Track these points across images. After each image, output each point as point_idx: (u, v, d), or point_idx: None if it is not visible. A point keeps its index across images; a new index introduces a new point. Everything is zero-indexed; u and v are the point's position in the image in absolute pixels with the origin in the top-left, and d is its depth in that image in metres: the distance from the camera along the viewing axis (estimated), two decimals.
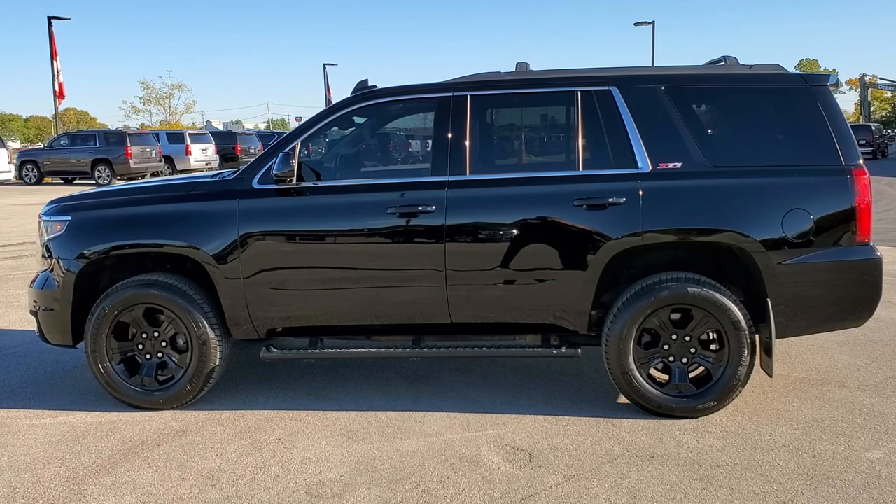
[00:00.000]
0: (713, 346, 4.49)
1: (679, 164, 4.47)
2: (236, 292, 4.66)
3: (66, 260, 4.79)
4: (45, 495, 3.71)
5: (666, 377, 4.53)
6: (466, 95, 4.69)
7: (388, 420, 4.55)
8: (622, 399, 4.71)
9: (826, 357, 5.62)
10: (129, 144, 26.36)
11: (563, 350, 4.65)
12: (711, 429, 4.32)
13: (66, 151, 27.30)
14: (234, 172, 4.95)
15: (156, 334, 4.77)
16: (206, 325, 4.67)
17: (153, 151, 27.61)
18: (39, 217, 5.07)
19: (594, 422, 4.46)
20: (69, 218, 4.86)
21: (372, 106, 4.93)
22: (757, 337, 4.47)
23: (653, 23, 39.20)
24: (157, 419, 4.64)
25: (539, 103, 5.24)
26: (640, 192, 4.41)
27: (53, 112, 32.11)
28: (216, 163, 30.50)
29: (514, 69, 4.99)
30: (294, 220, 4.68)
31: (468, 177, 4.58)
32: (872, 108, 67.61)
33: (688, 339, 4.46)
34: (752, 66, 4.76)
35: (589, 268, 4.45)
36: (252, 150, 32.82)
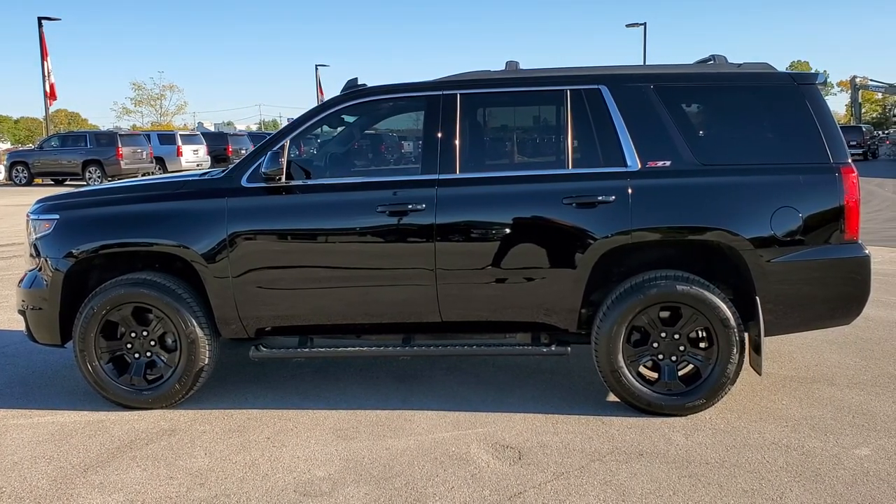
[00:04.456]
0: (702, 344, 4.50)
1: (668, 163, 4.48)
2: (225, 291, 4.64)
3: (54, 259, 4.77)
4: (32, 494, 3.68)
5: (655, 375, 4.53)
6: (456, 94, 4.69)
7: (378, 419, 4.55)
8: (612, 397, 4.71)
9: (815, 355, 5.64)
10: (119, 145, 26.30)
11: (553, 348, 4.64)
12: (701, 426, 4.33)
13: (57, 152, 27.18)
14: (223, 171, 4.94)
15: (144, 333, 4.75)
16: (195, 324, 4.65)
17: (144, 152, 27.55)
18: (27, 216, 5.04)
19: (584, 420, 4.47)
20: (57, 217, 4.84)
21: (361, 104, 4.92)
22: (746, 335, 4.49)
23: (644, 24, 39.26)
24: (145, 418, 4.62)
25: (529, 102, 5.23)
26: (630, 191, 4.42)
27: (44, 113, 31.92)
28: (207, 164, 30.43)
29: (503, 68, 4.99)
30: (283, 219, 4.66)
31: (458, 175, 4.58)
32: (863, 110, 67.94)
33: (677, 336, 4.47)
34: (740, 65, 4.77)
35: (578, 266, 4.45)
36: (243, 152, 32.66)
